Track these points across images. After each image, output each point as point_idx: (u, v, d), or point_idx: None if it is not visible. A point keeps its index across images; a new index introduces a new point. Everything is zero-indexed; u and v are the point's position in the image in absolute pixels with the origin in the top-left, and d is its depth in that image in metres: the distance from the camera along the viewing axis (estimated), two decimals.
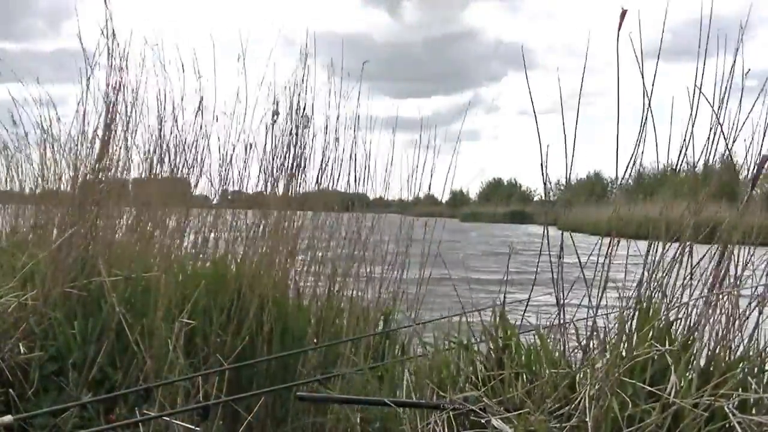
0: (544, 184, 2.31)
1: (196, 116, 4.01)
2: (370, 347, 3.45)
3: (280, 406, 3.39)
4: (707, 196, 2.19)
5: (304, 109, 3.92)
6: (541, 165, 2.22)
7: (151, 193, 4.04)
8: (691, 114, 2.14)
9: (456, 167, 3.81)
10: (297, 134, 3.93)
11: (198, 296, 3.32)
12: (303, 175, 3.99)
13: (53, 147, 4.13)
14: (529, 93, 2.26)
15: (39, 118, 4.13)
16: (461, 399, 2.14)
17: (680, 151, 2.18)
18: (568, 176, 2.23)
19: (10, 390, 3.06)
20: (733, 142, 2.16)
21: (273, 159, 3.96)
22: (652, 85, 2.13)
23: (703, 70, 2.12)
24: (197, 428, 2.32)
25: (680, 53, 2.39)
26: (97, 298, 3.41)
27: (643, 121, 2.15)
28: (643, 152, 2.20)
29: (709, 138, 2.17)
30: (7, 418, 2.27)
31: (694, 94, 2.13)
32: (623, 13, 1.99)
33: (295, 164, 3.96)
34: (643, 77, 2.09)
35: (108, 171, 3.86)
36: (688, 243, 2.16)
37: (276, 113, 3.90)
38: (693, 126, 2.15)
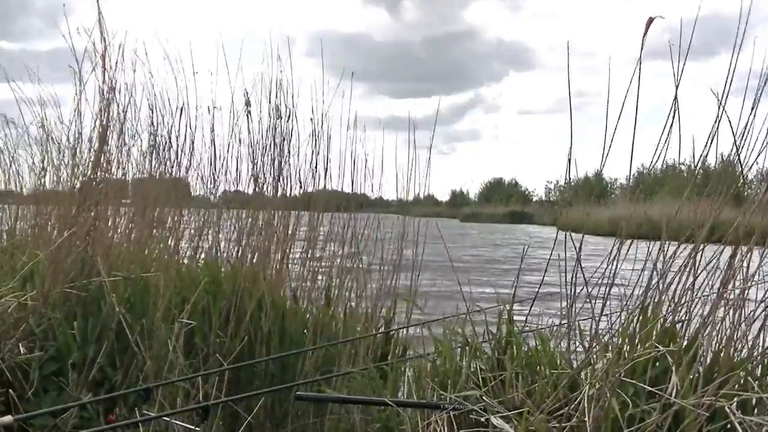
0: (566, 182, 2.31)
1: (189, 115, 4.02)
2: (371, 348, 3.45)
3: (280, 406, 3.39)
4: (712, 196, 2.18)
5: (286, 106, 3.91)
6: (568, 164, 2.22)
7: (149, 194, 4.03)
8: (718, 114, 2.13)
9: (450, 167, 3.81)
10: (281, 129, 3.92)
11: (197, 297, 3.32)
12: (292, 174, 3.98)
13: (52, 147, 4.13)
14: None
15: (39, 118, 4.13)
16: (462, 399, 2.14)
17: (701, 152, 2.17)
18: (601, 168, 2.23)
19: (10, 390, 3.05)
20: (741, 140, 2.14)
21: (261, 156, 3.95)
22: (676, 85, 2.12)
23: (731, 69, 2.11)
24: (197, 428, 2.32)
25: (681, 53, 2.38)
26: (96, 298, 3.40)
27: (670, 122, 2.14)
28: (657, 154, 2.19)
29: (716, 138, 2.16)
30: (7, 419, 2.26)
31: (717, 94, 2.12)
32: (649, 21, 1.97)
33: (283, 161, 3.96)
34: (674, 77, 2.08)
35: (106, 171, 3.86)
36: (693, 244, 2.15)
37: (248, 103, 3.88)
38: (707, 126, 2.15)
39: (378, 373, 2.79)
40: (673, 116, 2.12)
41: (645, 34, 1.99)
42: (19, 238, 4.23)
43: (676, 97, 2.11)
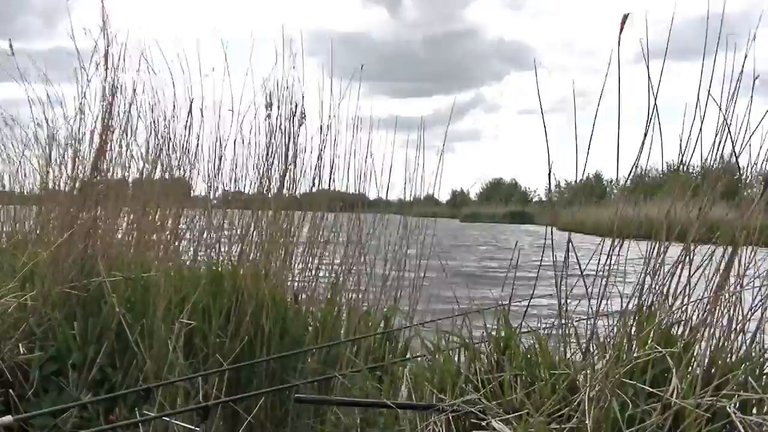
0: (549, 184, 2.31)
1: (191, 115, 4.01)
2: (371, 349, 3.45)
3: (280, 406, 3.39)
4: (711, 197, 2.18)
5: (296, 106, 3.90)
6: (549, 165, 2.23)
7: (150, 194, 4.03)
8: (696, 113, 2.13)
9: (450, 167, 3.80)
10: (291, 131, 3.91)
11: (197, 297, 3.32)
12: (296, 174, 3.96)
13: (52, 147, 4.13)
14: None
15: (39, 118, 4.14)
16: (461, 401, 2.14)
17: (691, 151, 2.17)
18: (584, 170, 2.23)
19: (10, 390, 3.05)
20: (742, 144, 2.14)
21: (267, 156, 3.93)
22: (657, 85, 2.12)
23: (713, 70, 2.12)
24: (197, 428, 2.32)
25: (681, 52, 2.39)
26: (97, 298, 3.40)
27: (649, 120, 2.14)
28: (649, 154, 2.20)
29: (714, 140, 2.16)
30: (7, 419, 2.26)
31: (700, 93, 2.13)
32: (624, 19, 1.98)
33: (289, 162, 3.94)
34: (649, 78, 2.09)
35: (107, 171, 3.86)
36: (690, 244, 2.15)
37: (269, 105, 3.87)
38: (702, 125, 2.15)
39: (378, 373, 2.79)
40: (650, 118, 2.13)
41: (621, 31, 2.00)
42: (19, 238, 4.23)
43: (655, 98, 2.12)
